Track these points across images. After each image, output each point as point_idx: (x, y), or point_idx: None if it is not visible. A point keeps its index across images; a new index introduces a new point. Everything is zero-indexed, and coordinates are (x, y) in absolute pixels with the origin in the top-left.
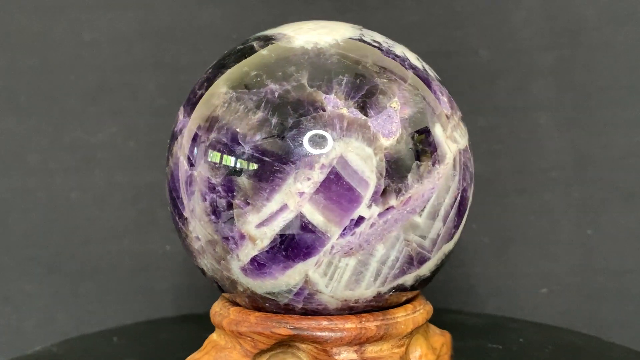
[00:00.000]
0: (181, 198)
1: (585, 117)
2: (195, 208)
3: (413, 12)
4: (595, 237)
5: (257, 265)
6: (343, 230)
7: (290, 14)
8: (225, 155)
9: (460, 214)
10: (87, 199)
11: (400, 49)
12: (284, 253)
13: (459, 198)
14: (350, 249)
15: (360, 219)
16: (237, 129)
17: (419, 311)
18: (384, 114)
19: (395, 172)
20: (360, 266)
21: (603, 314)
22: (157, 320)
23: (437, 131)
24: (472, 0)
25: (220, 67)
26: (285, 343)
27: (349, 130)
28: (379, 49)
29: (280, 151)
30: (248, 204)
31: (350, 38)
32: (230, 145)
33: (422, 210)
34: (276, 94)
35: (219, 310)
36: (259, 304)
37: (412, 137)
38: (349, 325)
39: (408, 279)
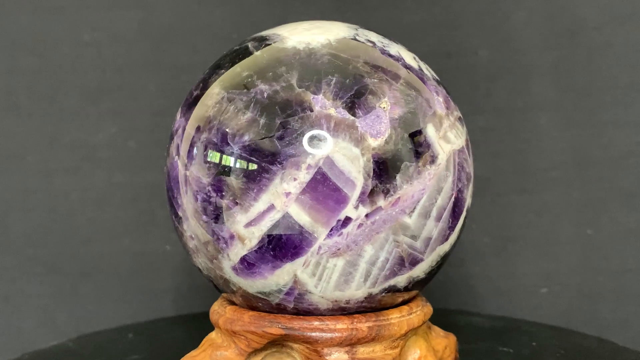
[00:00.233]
0: (176, 198)
1: (585, 117)
2: (188, 207)
3: (413, 12)
4: (595, 237)
5: (247, 264)
6: (330, 231)
7: (290, 14)
8: (215, 155)
9: (455, 215)
10: (87, 199)
11: (395, 49)
12: (272, 253)
13: (453, 199)
14: (338, 249)
15: (347, 219)
16: (227, 129)
17: (415, 313)
18: (373, 114)
19: (384, 172)
20: (349, 267)
21: (603, 314)
22: (173, 318)
23: (430, 131)
24: (472, 0)
25: (216, 67)
26: (279, 342)
27: (336, 131)
28: (373, 48)
29: (267, 151)
30: (236, 203)
31: (344, 38)
32: (220, 145)
33: (412, 211)
34: (265, 95)
35: (217, 309)
36: (252, 303)
37: (402, 138)
38: (340, 326)
39: (400, 280)
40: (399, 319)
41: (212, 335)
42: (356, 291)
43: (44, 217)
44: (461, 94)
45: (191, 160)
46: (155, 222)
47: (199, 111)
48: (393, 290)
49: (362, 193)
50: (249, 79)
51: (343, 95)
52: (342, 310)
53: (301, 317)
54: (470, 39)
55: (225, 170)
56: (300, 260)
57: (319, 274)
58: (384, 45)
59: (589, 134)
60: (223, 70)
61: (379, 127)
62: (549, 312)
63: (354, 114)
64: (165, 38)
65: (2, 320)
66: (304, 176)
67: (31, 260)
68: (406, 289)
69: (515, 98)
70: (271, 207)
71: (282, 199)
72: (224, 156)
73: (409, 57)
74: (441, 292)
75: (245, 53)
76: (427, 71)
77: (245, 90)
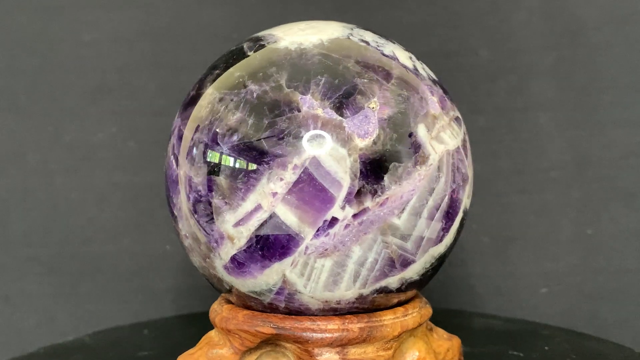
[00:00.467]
0: (172, 197)
1: (585, 117)
2: (182, 206)
3: (413, 12)
4: (595, 237)
5: (237, 264)
6: (317, 231)
7: (290, 14)
8: (205, 155)
9: (449, 216)
10: (87, 199)
11: (390, 48)
12: (260, 252)
13: (446, 200)
14: (325, 250)
15: (334, 220)
16: (217, 130)
17: (411, 315)
18: (361, 115)
19: (371, 173)
20: (337, 267)
21: (603, 314)
22: (188, 316)
23: (420, 132)
24: (472, 0)
25: (213, 68)
26: (272, 342)
27: (323, 131)
28: (366, 48)
29: (254, 151)
30: (225, 203)
31: (337, 38)
32: (210, 145)
33: (402, 212)
34: (255, 95)
35: (216, 308)
36: (246, 302)
37: (391, 138)
38: (331, 326)
39: (392, 281)
40: (392, 320)
41: (211, 333)
42: (346, 292)
43: (44, 217)
44: (461, 94)
45: (184, 159)
46: (155, 222)
47: (192, 111)
48: (385, 291)
49: (349, 193)
50: (240, 80)
51: (331, 95)
52: (334, 311)
53: (293, 317)
54: (470, 39)
55: (215, 170)
56: (288, 260)
57: (307, 274)
58: (378, 45)
59: (589, 134)
60: (218, 71)
61: (367, 127)
62: (549, 312)
63: (341, 114)
64: (165, 38)
65: (2, 320)
66: (290, 176)
67: (31, 260)
68: (399, 290)
69: (515, 98)
70: (258, 207)
71: (269, 199)
72: (214, 156)
73: (404, 57)
74: (441, 292)
75: (239, 54)
76: (423, 71)
77: (236, 91)
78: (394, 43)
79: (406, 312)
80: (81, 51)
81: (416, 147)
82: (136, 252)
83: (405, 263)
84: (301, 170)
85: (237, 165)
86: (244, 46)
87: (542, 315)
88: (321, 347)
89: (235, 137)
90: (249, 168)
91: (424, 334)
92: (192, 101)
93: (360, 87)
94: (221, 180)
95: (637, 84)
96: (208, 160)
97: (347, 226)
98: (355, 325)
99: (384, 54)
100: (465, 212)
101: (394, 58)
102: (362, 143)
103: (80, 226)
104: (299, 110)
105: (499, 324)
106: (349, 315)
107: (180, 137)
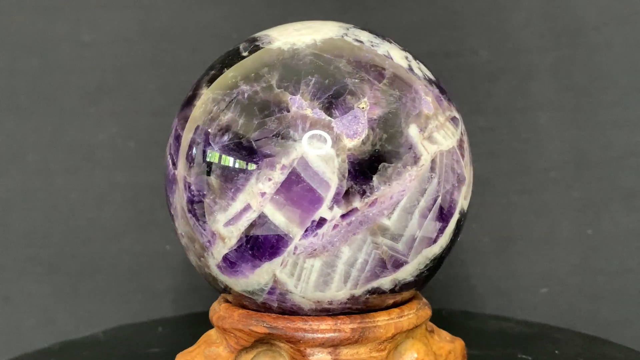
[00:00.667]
0: (169, 196)
1: (585, 117)
2: (177, 206)
3: (413, 12)
4: (595, 237)
5: (229, 263)
6: (305, 231)
7: (290, 14)
8: (198, 155)
9: (444, 217)
10: (87, 199)
11: (385, 48)
12: (250, 252)
13: (439, 201)
14: (314, 250)
15: (322, 220)
16: (209, 130)
17: (407, 316)
18: (350, 115)
19: (359, 173)
20: (327, 268)
21: (603, 314)
22: (197, 314)
23: (412, 132)
24: (472, 0)
25: (210, 69)
26: (266, 341)
27: (311, 131)
28: (359, 48)
29: (244, 151)
30: (216, 203)
31: (331, 38)
32: (203, 145)
33: (392, 213)
34: (246, 95)
35: (215, 306)
36: (242, 301)
37: (380, 138)
38: (323, 327)
39: (384, 282)
40: (386, 321)
41: (211, 332)
42: (337, 292)
43: (44, 217)
44: (461, 94)
45: (179, 159)
46: (155, 222)
47: (188, 112)
48: (378, 292)
49: (337, 194)
50: (233, 80)
51: (321, 95)
52: (326, 311)
53: (286, 316)
54: (470, 39)
55: (207, 170)
56: (277, 260)
57: (297, 274)
58: (372, 45)
59: (589, 134)
60: (214, 72)
61: (356, 127)
62: (549, 312)
63: (330, 115)
64: (165, 38)
65: (2, 320)
66: (278, 176)
67: (31, 260)
68: (393, 291)
69: (515, 98)
70: (247, 207)
71: (258, 198)
72: (206, 156)
73: (399, 57)
74: (441, 292)
75: (235, 54)
76: (419, 70)
77: (228, 91)
78: (391, 42)
79: (401, 314)
80: (81, 51)
81: (407, 147)
82: (136, 252)
83: (397, 264)
84: (289, 170)
85: (227, 165)
86: (240, 47)
87: (542, 315)
88: (313, 347)
89: (225, 137)
90: (239, 168)
91: (423, 336)
92: (189, 101)
93: (351, 87)
94: (212, 180)
95: (637, 84)
96: (200, 160)
97: (335, 226)
98: (347, 326)
99: (377, 54)
100: (462, 213)
101: (388, 58)
102: (350, 143)
103: (80, 226)
104: (288, 111)
105: (513, 326)
106: (341, 316)
107: (176, 137)
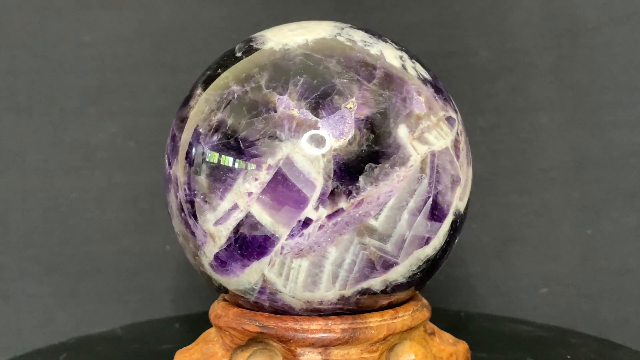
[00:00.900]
0: (166, 196)
1: (585, 117)
2: (172, 205)
3: (413, 12)
4: (595, 237)
5: (221, 262)
6: (291, 232)
7: (290, 14)
8: (189, 155)
9: (435, 218)
10: (87, 199)
11: (378, 48)
12: (239, 251)
13: (430, 202)
14: (301, 250)
15: (308, 220)
16: (201, 130)
17: (401, 317)
18: (337, 115)
19: (345, 173)
20: (314, 268)
21: (603, 314)
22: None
23: (401, 132)
24: (472, 0)
25: (207, 69)
26: (261, 340)
27: (297, 132)
28: (351, 48)
29: (232, 151)
30: (206, 202)
31: (323, 38)
32: (194, 145)
33: (379, 214)
34: (236, 96)
35: (214, 305)
36: (237, 300)
37: (367, 139)
38: (314, 327)
39: (374, 283)
40: (378, 322)
41: (211, 330)
42: (326, 292)
43: (44, 217)
44: (461, 93)
45: (173, 159)
46: (155, 222)
47: (184, 112)
48: (369, 293)
49: (322, 194)
50: (225, 80)
51: (308, 95)
52: (317, 312)
53: (278, 316)
54: (470, 39)
55: (197, 170)
56: (265, 260)
57: (285, 274)
58: (365, 45)
59: (589, 134)
60: (209, 72)
61: (343, 127)
62: (549, 312)
63: (317, 115)
64: (165, 38)
65: (2, 320)
66: (264, 176)
67: (31, 260)
68: (385, 292)
69: (515, 98)
70: (235, 207)
71: (245, 198)
72: (197, 156)
73: (393, 56)
74: (441, 292)
75: (230, 55)
76: (413, 70)
77: (219, 92)
78: (386, 42)
79: (395, 315)
80: (81, 51)
81: (395, 147)
82: (136, 252)
83: (387, 265)
84: (275, 170)
85: (216, 165)
86: (236, 48)
87: (542, 315)
88: (303, 347)
89: (215, 137)
90: (226, 168)
91: (422, 338)
92: (185, 102)
93: (339, 87)
94: (202, 179)
95: (637, 84)
96: (191, 159)
97: (321, 227)
98: (338, 326)
99: (370, 54)
100: (457, 214)
101: (380, 57)
102: (336, 144)
103: (80, 226)
104: (275, 111)
105: (529, 329)
106: (333, 317)
107: (172, 137)
